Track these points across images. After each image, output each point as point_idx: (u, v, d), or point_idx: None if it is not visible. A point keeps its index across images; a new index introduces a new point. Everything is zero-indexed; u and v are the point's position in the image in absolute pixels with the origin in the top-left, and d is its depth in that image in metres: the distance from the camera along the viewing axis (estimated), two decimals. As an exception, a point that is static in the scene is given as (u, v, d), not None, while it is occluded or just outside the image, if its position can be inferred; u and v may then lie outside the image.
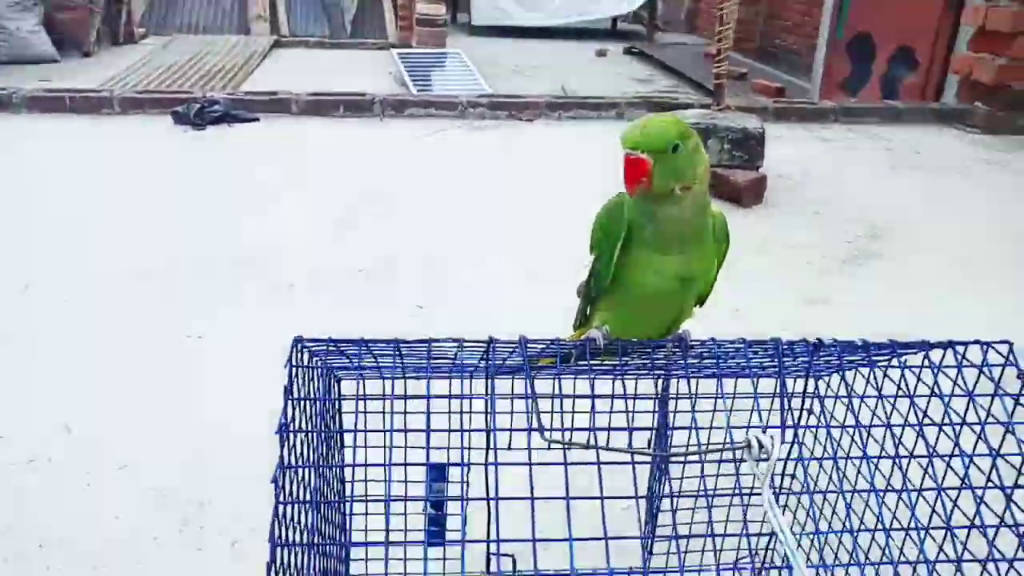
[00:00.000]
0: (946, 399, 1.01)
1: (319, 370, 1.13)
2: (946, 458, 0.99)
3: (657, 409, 1.32)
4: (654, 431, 1.39)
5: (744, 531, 1.08)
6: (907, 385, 1.05)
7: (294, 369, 0.99)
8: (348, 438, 1.54)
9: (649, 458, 1.37)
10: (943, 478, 0.98)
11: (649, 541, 1.62)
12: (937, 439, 1.02)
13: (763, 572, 1.28)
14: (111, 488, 2.18)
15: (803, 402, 1.11)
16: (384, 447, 1.40)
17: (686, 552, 1.36)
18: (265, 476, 2.29)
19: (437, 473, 1.57)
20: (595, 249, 1.32)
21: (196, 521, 2.08)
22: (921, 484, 0.96)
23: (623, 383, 1.06)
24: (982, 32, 5.88)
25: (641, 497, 0.97)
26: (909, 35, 6.81)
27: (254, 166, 4.67)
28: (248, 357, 2.79)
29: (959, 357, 1.07)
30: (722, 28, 4.30)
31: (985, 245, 3.96)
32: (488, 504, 1.15)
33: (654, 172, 1.14)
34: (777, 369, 1.00)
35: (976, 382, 1.09)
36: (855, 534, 0.91)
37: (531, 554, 0.89)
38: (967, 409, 1.01)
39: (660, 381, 1.31)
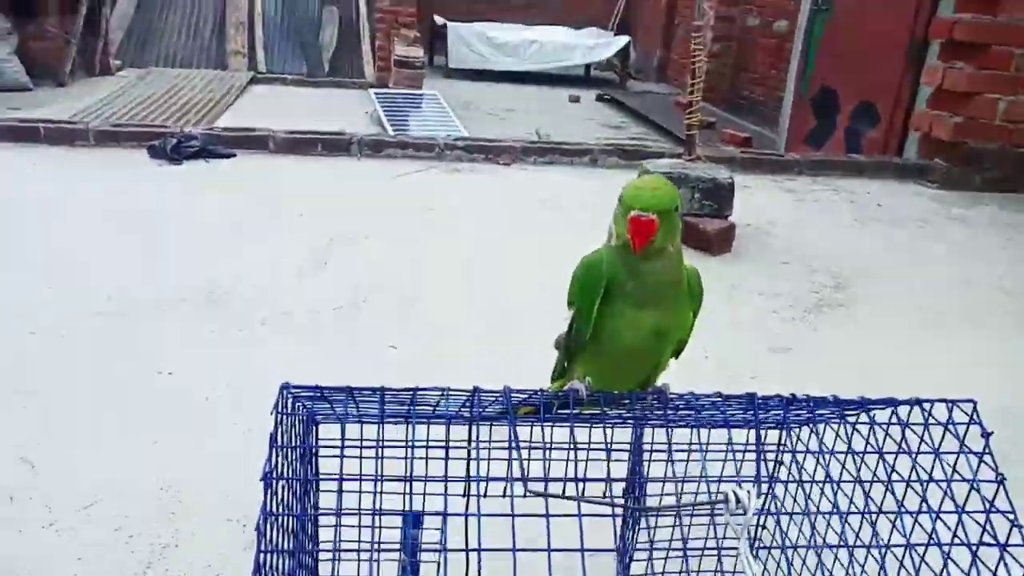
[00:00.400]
0: (913, 455, 1.05)
1: (300, 416, 1.14)
2: (914, 514, 1.03)
3: (632, 459, 1.35)
4: (627, 481, 1.41)
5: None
6: (876, 440, 1.09)
7: (280, 416, 1.00)
8: (324, 483, 1.55)
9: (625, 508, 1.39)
10: (911, 532, 1.01)
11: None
12: (904, 494, 1.06)
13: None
14: (74, 527, 2.14)
15: (777, 455, 1.14)
16: (359, 492, 1.41)
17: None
18: (234, 519, 2.27)
19: (414, 521, 1.58)
20: (574, 304, 1.35)
21: (161, 564, 2.05)
22: (889, 539, 0.99)
23: (603, 432, 1.08)
24: (940, 91, 6.11)
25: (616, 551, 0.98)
26: (871, 91, 7.05)
27: (229, 203, 4.66)
28: (219, 395, 2.77)
29: (925, 414, 1.11)
30: (694, 81, 4.42)
31: (944, 296, 4.08)
32: (467, 555, 1.16)
33: (659, 233, 1.20)
34: (752, 421, 1.03)
35: (942, 439, 1.13)
36: (827, 587, 0.94)
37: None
38: (933, 466, 1.05)
39: (634, 432, 1.34)
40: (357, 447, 1.22)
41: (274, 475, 0.93)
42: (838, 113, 7.58)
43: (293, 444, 1.06)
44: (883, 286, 4.15)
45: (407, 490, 1.36)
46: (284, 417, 1.02)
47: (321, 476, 1.20)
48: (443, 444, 1.13)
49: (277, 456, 0.98)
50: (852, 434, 1.10)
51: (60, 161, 5.20)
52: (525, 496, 0.96)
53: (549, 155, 5.98)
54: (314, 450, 1.47)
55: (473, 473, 1.02)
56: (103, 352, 3.02)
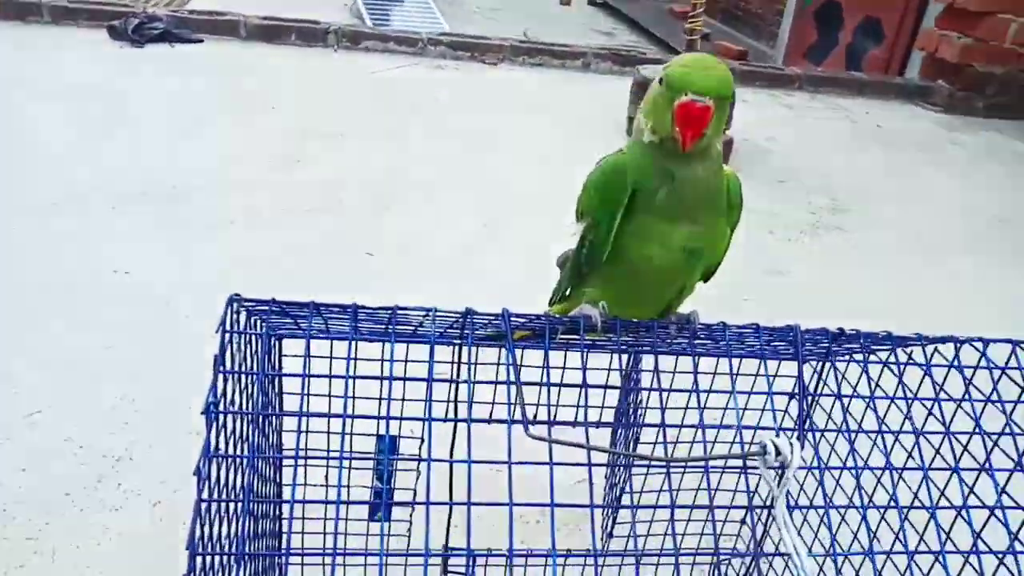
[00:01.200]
0: (967, 400, 0.90)
1: (256, 332, 0.96)
2: (978, 470, 0.88)
3: (633, 397, 1.18)
4: (626, 417, 1.26)
5: (711, 523, 0.95)
6: (934, 383, 0.94)
7: (228, 335, 0.81)
8: (288, 401, 1.38)
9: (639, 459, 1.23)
10: (969, 492, 0.87)
11: (610, 523, 1.51)
12: (965, 446, 0.91)
13: (757, 562, 1.16)
14: (19, 438, 1.97)
15: (815, 399, 0.98)
16: (327, 430, 1.24)
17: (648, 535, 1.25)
18: (194, 431, 2.09)
19: (388, 444, 1.42)
20: (587, 216, 1.14)
21: (113, 477, 1.89)
22: (961, 499, 0.85)
23: (618, 359, 0.91)
24: (950, 10, 5.82)
25: (620, 507, 0.83)
26: (877, 6, 6.73)
27: (195, 91, 4.34)
28: (181, 297, 2.57)
29: (982, 355, 0.96)
30: (699, -18, 4.12)
31: (943, 223, 3.94)
32: (451, 494, 1.00)
33: (712, 123, 0.99)
34: (794, 355, 0.87)
35: (997, 381, 0.98)
36: (873, 555, 0.80)
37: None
38: (982, 411, 0.90)
39: (633, 364, 1.16)
40: (326, 370, 1.04)
41: (219, 407, 0.76)
42: (841, 28, 7.27)
43: (248, 371, 0.88)
44: (881, 210, 4.00)
45: (383, 412, 1.21)
46: (233, 336, 0.84)
47: (283, 411, 1.02)
48: (426, 365, 0.96)
49: (226, 383, 0.80)
50: (903, 372, 0.94)
51: (9, 38, 4.79)
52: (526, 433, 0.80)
53: (539, 56, 5.66)
54: (278, 366, 1.30)
55: (462, 407, 0.86)
56: (53, 248, 2.79)
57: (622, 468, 1.39)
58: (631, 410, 1.30)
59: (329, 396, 1.00)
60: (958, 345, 0.96)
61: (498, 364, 0.89)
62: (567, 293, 1.26)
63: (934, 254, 3.59)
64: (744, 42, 8.72)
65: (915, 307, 3.10)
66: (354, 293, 2.67)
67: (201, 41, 5.03)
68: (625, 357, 1.39)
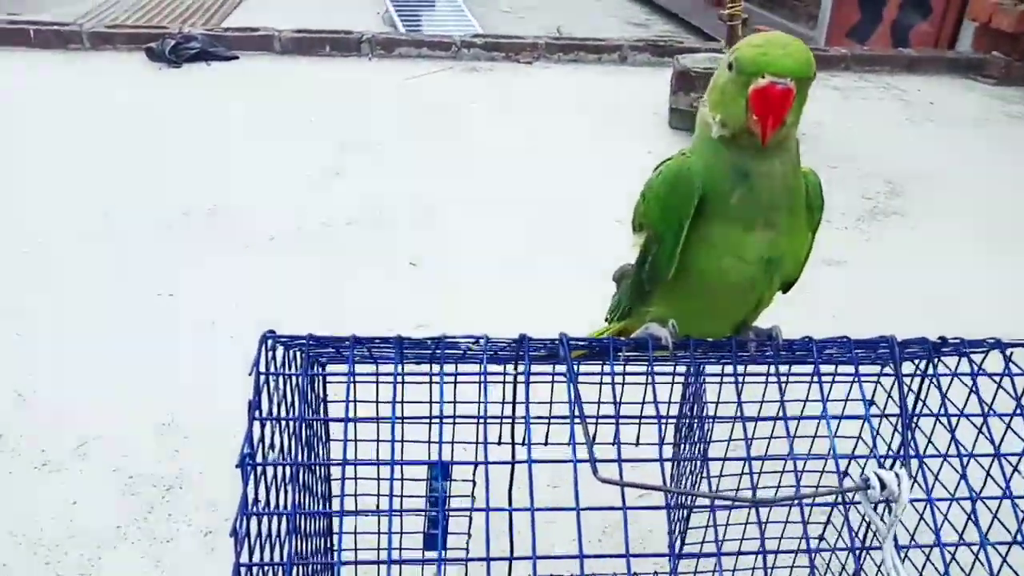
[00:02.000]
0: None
1: (296, 373, 0.89)
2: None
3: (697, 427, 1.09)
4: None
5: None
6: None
7: (263, 377, 0.74)
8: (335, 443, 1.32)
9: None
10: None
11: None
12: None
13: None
14: (69, 469, 1.96)
15: (915, 419, 0.88)
16: (377, 440, 1.18)
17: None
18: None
19: (440, 471, 1.36)
20: (647, 228, 1.02)
21: (163, 508, 1.86)
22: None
23: (696, 388, 0.82)
24: (1003, -24, 5.57)
25: (701, 555, 0.74)
26: (924, -21, 6.48)
27: (233, 108, 4.34)
28: (226, 318, 2.54)
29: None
30: (738, -35, 3.98)
31: (1008, 204, 3.74)
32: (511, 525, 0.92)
33: (793, 109, 0.89)
34: (894, 373, 0.77)
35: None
36: (996, 598, 0.70)
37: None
38: None
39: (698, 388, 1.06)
40: (372, 410, 0.97)
41: (255, 457, 0.69)
42: (884, 4, 7.01)
43: (287, 407, 0.81)
44: (941, 192, 3.81)
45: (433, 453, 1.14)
46: (270, 377, 0.77)
47: (326, 461, 0.95)
48: (478, 401, 0.88)
49: (263, 428, 0.73)
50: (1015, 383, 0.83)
51: (52, 66, 4.86)
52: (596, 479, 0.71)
53: (574, 52, 5.55)
54: (323, 394, 1.23)
55: (519, 440, 0.78)
56: (98, 273, 2.79)
57: (684, 508, 1.29)
58: (696, 438, 1.21)
59: (377, 440, 0.93)
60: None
61: (551, 398, 0.81)
62: (627, 311, 1.15)
63: (998, 238, 3.40)
64: (783, 25, 8.50)
65: (980, 294, 2.93)
66: (399, 308, 2.63)
67: (237, 58, 5.04)
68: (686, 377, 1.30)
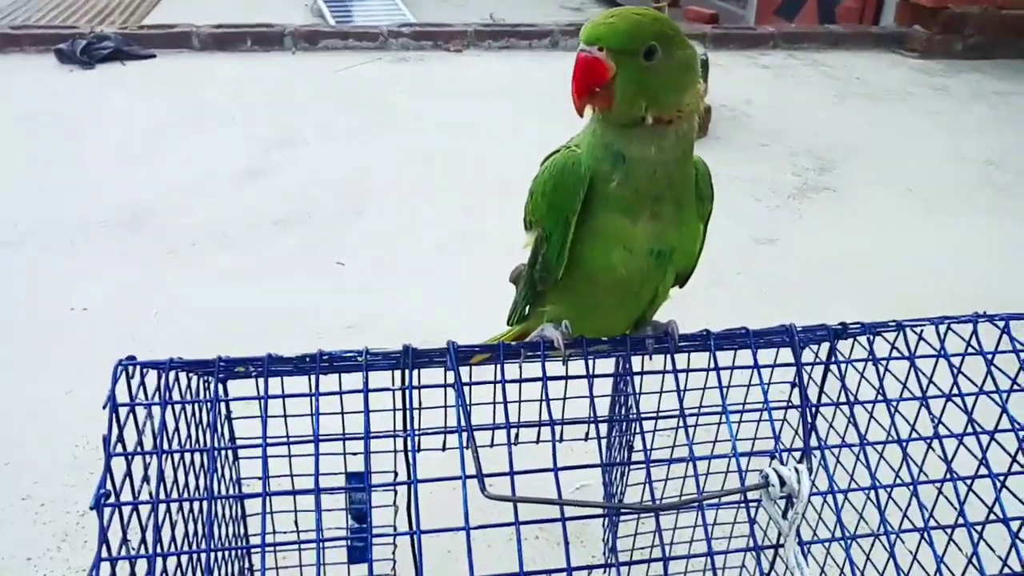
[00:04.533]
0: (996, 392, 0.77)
1: (148, 403, 0.81)
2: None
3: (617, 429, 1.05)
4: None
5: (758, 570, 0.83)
6: (955, 380, 0.81)
7: (117, 408, 0.68)
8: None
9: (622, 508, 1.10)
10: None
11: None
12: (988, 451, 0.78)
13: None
14: (-26, 500, 1.84)
15: (816, 408, 0.85)
16: (288, 456, 1.12)
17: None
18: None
19: (357, 481, 1.30)
20: (536, 224, 0.98)
21: (79, 535, 1.77)
22: (986, 518, 0.73)
23: (591, 387, 0.78)
24: (921, -49, 5.68)
25: (612, 566, 0.71)
26: (846, -45, 6.57)
27: (150, 108, 4.18)
28: (145, 332, 2.44)
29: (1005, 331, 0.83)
30: (661, -54, 3.97)
31: (934, 173, 3.81)
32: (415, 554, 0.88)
33: (617, 83, 0.84)
34: (794, 363, 0.74)
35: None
36: (904, 591, 0.68)
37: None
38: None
39: (622, 389, 1.02)
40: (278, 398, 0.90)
41: (114, 498, 0.62)
42: (811, -19, 7.10)
43: (134, 450, 0.74)
44: (869, 166, 3.86)
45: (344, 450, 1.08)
46: (123, 410, 0.70)
47: (199, 497, 0.88)
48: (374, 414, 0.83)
49: (129, 462, 0.67)
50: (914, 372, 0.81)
51: (-45, 71, 4.62)
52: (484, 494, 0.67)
53: (505, 39, 5.49)
54: (227, 410, 1.17)
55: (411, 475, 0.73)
56: (8, 287, 2.65)
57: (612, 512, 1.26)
58: (622, 423, 1.17)
59: (269, 456, 0.86)
60: (973, 325, 0.83)
61: (446, 405, 0.76)
62: (525, 313, 1.10)
63: (928, 207, 3.46)
64: (714, 5, 8.56)
65: (913, 264, 2.97)
66: (326, 309, 2.55)
67: (154, 56, 4.86)
68: (613, 363, 1.26)
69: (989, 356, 0.86)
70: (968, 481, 0.75)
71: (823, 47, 5.85)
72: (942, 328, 0.92)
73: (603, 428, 1.34)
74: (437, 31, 5.42)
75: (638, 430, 1.20)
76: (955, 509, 0.76)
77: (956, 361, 0.84)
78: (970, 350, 0.83)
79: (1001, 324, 0.90)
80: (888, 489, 0.74)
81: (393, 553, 1.36)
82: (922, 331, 0.94)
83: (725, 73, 4.91)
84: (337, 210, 3.22)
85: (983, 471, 0.76)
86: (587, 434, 1.16)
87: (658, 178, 0.89)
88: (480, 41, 5.44)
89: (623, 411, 1.29)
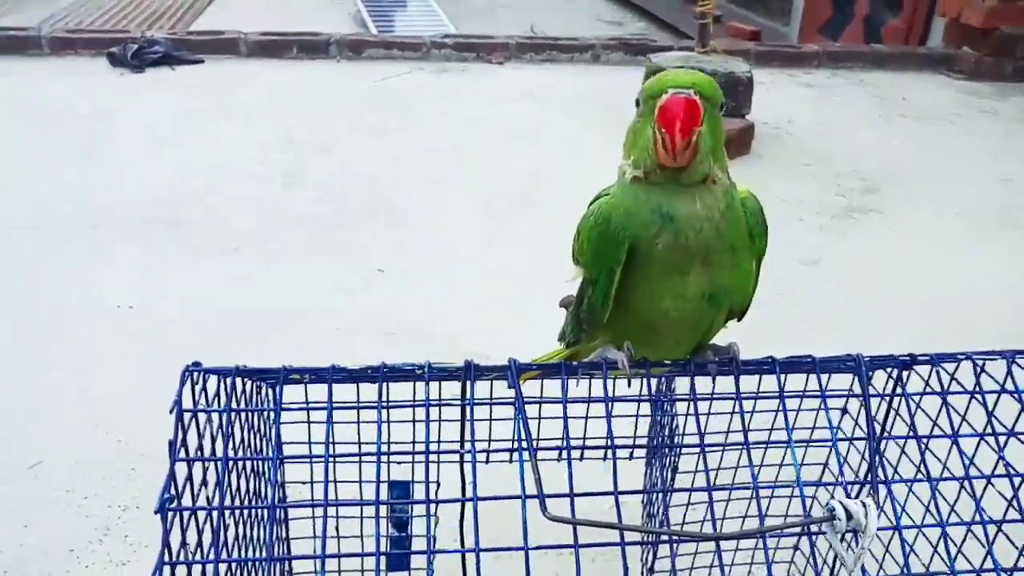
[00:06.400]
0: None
1: (219, 409, 0.82)
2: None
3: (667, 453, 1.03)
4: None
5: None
6: None
7: (184, 413, 0.68)
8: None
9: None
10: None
11: None
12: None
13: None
14: (20, 493, 1.88)
15: (883, 442, 0.83)
16: (333, 459, 1.12)
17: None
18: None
19: (400, 489, 1.30)
20: (583, 269, 0.97)
21: (119, 529, 1.79)
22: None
23: (656, 409, 0.77)
24: (972, -28, 5.60)
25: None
26: (894, -25, 6.50)
27: (196, 113, 4.25)
28: (189, 331, 2.47)
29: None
30: (708, -38, 3.95)
31: (981, 196, 3.74)
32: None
33: (701, 133, 0.82)
34: (861, 395, 0.73)
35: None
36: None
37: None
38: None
39: (669, 415, 1.01)
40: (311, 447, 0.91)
41: (174, 503, 0.63)
42: (856, 1, 7.04)
43: (207, 453, 0.75)
44: (915, 188, 3.80)
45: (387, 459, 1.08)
46: (196, 414, 0.71)
47: (263, 505, 0.89)
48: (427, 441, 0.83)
49: (190, 468, 0.67)
50: (993, 402, 0.79)
51: (10, 72, 4.74)
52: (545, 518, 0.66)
53: (546, 52, 5.51)
54: (276, 417, 1.17)
55: (468, 477, 0.73)
56: (58, 283, 2.70)
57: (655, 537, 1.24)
58: (667, 450, 1.16)
59: (323, 482, 0.87)
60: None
61: (491, 419, 0.76)
62: (573, 341, 1.09)
63: (976, 230, 3.40)
64: (756, 22, 8.51)
65: (960, 288, 2.91)
66: (368, 316, 2.56)
67: (202, 61, 4.95)
68: (655, 383, 1.25)
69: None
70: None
71: (868, 66, 5.79)
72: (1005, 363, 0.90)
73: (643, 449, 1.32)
74: (480, 43, 5.45)
75: (680, 453, 1.19)
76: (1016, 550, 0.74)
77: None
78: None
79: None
80: (959, 528, 0.72)
81: (431, 563, 1.36)
82: (984, 364, 0.92)
83: (768, 91, 4.88)
84: (376, 217, 3.24)
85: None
86: (632, 453, 1.15)
87: (706, 234, 0.87)
88: (522, 54, 5.46)
89: (668, 432, 1.27)
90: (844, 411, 1.02)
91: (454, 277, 2.84)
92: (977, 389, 0.80)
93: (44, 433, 2.04)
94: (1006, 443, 0.79)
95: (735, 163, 3.93)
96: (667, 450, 1.16)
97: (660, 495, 1.34)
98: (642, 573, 1.41)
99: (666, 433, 1.23)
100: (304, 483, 1.06)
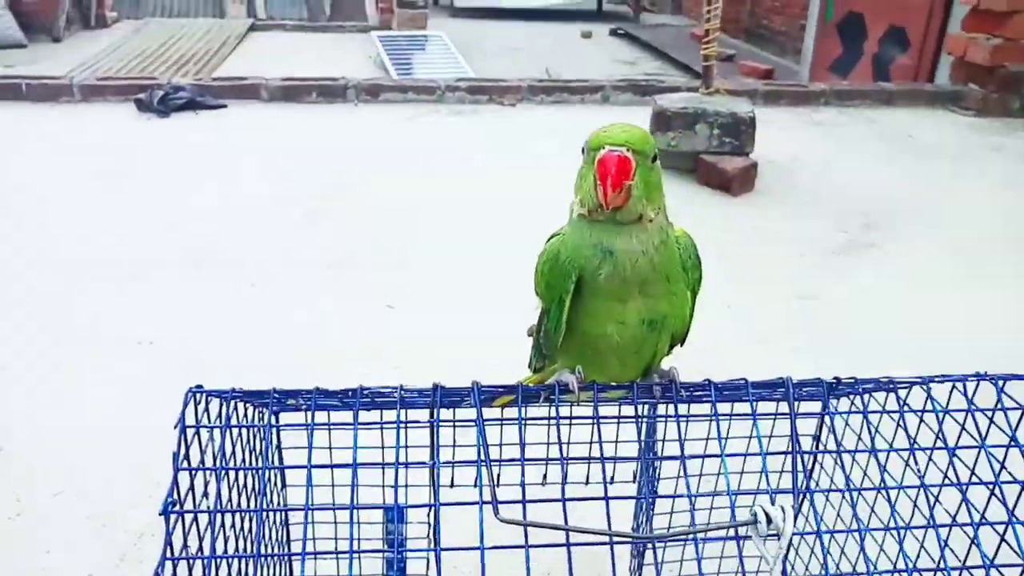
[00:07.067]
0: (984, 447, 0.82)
1: (218, 426, 0.93)
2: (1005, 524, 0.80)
3: (640, 467, 1.12)
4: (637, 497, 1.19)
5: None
6: (942, 432, 0.86)
7: (192, 431, 0.78)
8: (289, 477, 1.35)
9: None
10: (996, 551, 0.79)
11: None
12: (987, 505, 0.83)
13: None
14: (43, 520, 1.98)
15: (814, 457, 0.92)
16: (332, 485, 1.21)
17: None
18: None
19: (392, 514, 1.39)
20: (539, 298, 1.12)
21: (135, 555, 1.88)
22: (965, 559, 0.78)
23: (598, 434, 0.86)
24: (976, 11, 5.70)
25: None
26: (901, 14, 6.62)
27: (218, 156, 4.43)
28: (207, 365, 2.58)
29: (999, 391, 0.88)
30: (710, 8, 4.09)
31: (984, 233, 3.79)
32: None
33: (635, 181, 0.94)
34: (788, 414, 0.81)
35: (1019, 422, 0.91)
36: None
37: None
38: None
39: (639, 432, 1.10)
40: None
41: (180, 507, 0.73)
42: (865, 39, 7.16)
43: (236, 460, 0.85)
44: (918, 225, 3.86)
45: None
46: (201, 430, 0.81)
47: (256, 509, 0.98)
48: (408, 448, 0.92)
49: (192, 479, 0.77)
50: (917, 424, 0.87)
51: (43, 118, 4.97)
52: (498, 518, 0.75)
53: (557, 93, 5.67)
54: (278, 442, 1.27)
55: (441, 491, 0.82)
56: (81, 318, 2.84)
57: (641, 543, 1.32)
58: (645, 470, 1.24)
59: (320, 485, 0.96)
60: (972, 384, 0.88)
61: (478, 446, 0.84)
62: (539, 367, 1.23)
63: (976, 268, 3.44)
64: (769, 60, 8.66)
65: (957, 325, 2.96)
66: (375, 350, 2.67)
67: (225, 106, 5.15)
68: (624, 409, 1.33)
69: (985, 412, 0.91)
70: (948, 526, 0.80)
71: (876, 104, 5.88)
72: (944, 388, 0.98)
73: (619, 467, 1.40)
74: (492, 86, 5.63)
75: (660, 474, 1.27)
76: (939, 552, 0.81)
77: (950, 417, 0.89)
78: (961, 407, 0.89)
79: (1000, 383, 0.95)
80: (875, 533, 0.80)
81: (427, 571, 1.43)
82: (930, 388, 1.00)
83: (775, 129, 4.98)
84: (388, 255, 3.36)
85: (964, 518, 0.81)
86: (587, 478, 1.22)
87: (641, 266, 0.99)
88: (533, 95, 5.62)
89: (649, 453, 1.35)
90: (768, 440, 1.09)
91: (465, 317, 2.93)
92: (900, 410, 0.88)
93: (65, 463, 2.15)
94: (929, 457, 0.86)
95: (740, 199, 4.04)
96: (648, 470, 1.24)
97: (643, 514, 1.41)
98: (631, 568, 1.47)
99: (649, 454, 1.31)
100: (300, 485, 1.14)
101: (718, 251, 3.23)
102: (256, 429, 1.07)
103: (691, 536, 0.73)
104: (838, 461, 0.83)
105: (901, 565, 0.76)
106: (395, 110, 5.33)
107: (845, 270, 3.38)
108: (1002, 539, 0.83)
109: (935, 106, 5.87)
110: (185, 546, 0.79)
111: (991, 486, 0.88)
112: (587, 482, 1.20)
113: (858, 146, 5.02)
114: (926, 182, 4.44)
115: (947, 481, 0.82)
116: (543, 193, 4.07)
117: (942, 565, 0.76)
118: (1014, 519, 0.82)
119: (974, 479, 0.85)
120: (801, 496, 0.77)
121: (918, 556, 0.80)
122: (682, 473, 0.82)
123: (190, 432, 0.81)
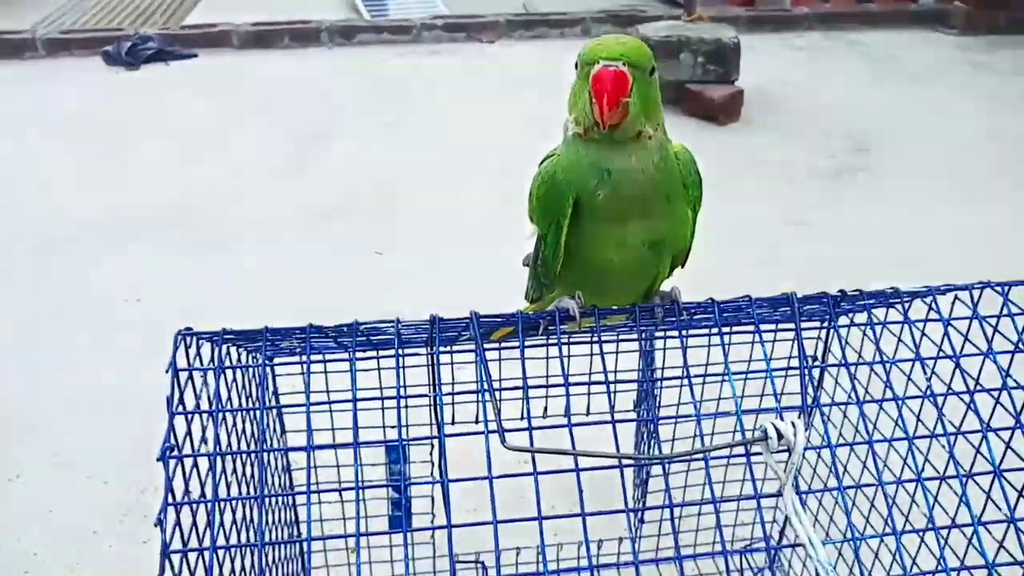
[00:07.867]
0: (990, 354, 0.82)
1: (209, 368, 0.90)
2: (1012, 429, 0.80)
3: (641, 390, 1.11)
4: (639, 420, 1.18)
5: (759, 519, 0.89)
6: (950, 341, 0.85)
7: (186, 373, 0.76)
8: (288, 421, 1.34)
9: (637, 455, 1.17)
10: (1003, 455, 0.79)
11: (640, 513, 1.45)
12: (992, 413, 0.83)
13: (778, 553, 1.10)
14: (45, 481, 1.97)
15: (821, 371, 0.90)
16: (332, 429, 1.20)
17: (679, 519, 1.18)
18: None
19: (396, 454, 1.38)
20: (535, 224, 1.06)
21: (139, 510, 1.88)
22: (971, 467, 0.77)
23: (597, 356, 0.85)
24: (960, -75, 5.58)
25: (630, 510, 0.77)
26: (883, -68, 6.46)
27: (192, 108, 4.32)
28: (195, 321, 2.55)
29: (1004, 298, 0.87)
30: (690, -70, 3.97)
31: (973, 153, 3.77)
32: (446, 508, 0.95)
33: (634, 95, 0.89)
34: (793, 328, 0.80)
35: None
36: (899, 536, 0.73)
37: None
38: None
39: (643, 354, 1.09)
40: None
41: (178, 451, 0.71)
42: (847, -40, 7.01)
43: (231, 403, 0.83)
44: (906, 146, 3.84)
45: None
46: (194, 373, 0.79)
47: (238, 450, 0.96)
48: (399, 390, 0.90)
49: (189, 423, 0.75)
50: (919, 336, 0.86)
51: (8, 75, 4.82)
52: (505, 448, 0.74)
53: (536, 28, 5.54)
54: (275, 388, 1.26)
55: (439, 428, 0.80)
56: (65, 279, 2.79)
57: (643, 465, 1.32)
58: (647, 396, 1.23)
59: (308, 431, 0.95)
60: (976, 292, 0.87)
61: (478, 377, 0.83)
62: (536, 296, 1.19)
63: (966, 187, 3.43)
64: (749, -14, 8.47)
65: (949, 244, 2.96)
66: (366, 297, 2.64)
67: (195, 56, 5.01)
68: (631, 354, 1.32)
69: (989, 320, 0.90)
70: (954, 434, 0.80)
71: (860, 27, 5.79)
72: (947, 299, 0.96)
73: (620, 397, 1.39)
74: (469, 22, 5.49)
75: (661, 401, 1.27)
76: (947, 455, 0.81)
77: (956, 325, 0.89)
78: (966, 314, 0.87)
79: (1000, 291, 0.94)
80: (885, 443, 0.79)
81: (432, 510, 1.44)
82: (936, 300, 0.98)
83: (758, 56, 4.89)
84: (373, 202, 3.31)
85: (969, 426, 0.81)
86: (588, 408, 1.21)
87: (642, 185, 0.95)
88: (512, 31, 5.49)
89: (647, 375, 1.34)
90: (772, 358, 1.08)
91: (456, 256, 2.90)
92: (905, 321, 0.86)
93: (64, 423, 2.14)
94: (932, 368, 0.85)
95: (727, 128, 3.99)
96: (649, 399, 1.23)
97: (647, 431, 1.41)
98: (635, 496, 1.49)
99: (647, 375, 1.31)
100: (300, 431, 1.13)
101: (707, 184, 3.21)
102: (251, 374, 1.05)
103: (701, 455, 0.72)
104: (848, 373, 0.82)
105: (908, 475, 0.75)
106: (371, 52, 5.20)
107: (834, 195, 3.37)
108: (1005, 450, 0.83)
109: (919, 26, 5.79)
110: (187, 491, 0.78)
111: (997, 392, 0.88)
112: (588, 412, 1.20)
113: (843, 69, 4.96)
114: (912, 103, 4.40)
115: (951, 390, 0.82)
116: (530, 133, 4.01)
117: (949, 473, 0.76)
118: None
119: (978, 388, 0.84)
120: (810, 411, 0.76)
121: (923, 468, 0.80)
122: (687, 396, 0.81)
123: (183, 376, 0.79)
